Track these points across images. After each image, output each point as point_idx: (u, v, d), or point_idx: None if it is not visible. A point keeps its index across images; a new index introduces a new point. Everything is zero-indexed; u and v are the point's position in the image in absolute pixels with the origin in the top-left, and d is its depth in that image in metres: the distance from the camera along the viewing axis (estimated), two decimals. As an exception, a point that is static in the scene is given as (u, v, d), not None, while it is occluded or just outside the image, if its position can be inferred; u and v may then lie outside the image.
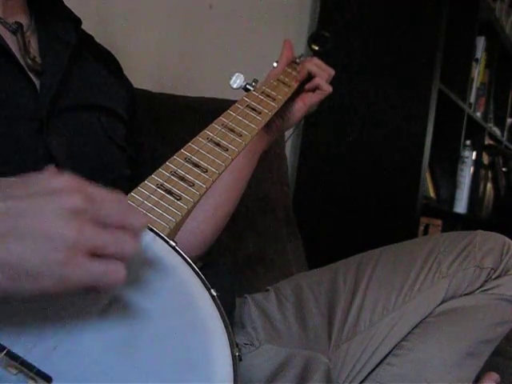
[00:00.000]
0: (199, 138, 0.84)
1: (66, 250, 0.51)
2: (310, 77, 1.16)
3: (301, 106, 1.16)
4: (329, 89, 1.17)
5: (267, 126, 1.10)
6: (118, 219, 0.55)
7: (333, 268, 1.14)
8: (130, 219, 0.56)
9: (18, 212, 0.52)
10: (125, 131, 1.01)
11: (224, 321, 0.59)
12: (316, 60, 1.17)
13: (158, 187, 0.72)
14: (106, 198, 0.55)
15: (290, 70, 1.15)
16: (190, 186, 0.75)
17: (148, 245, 0.62)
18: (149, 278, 0.60)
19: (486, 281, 1.04)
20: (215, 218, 1.09)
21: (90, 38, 1.05)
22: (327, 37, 1.23)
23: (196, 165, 0.79)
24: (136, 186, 0.72)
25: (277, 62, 1.18)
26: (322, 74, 1.16)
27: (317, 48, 1.22)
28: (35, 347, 0.52)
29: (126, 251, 0.55)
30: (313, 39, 1.23)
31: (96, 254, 0.53)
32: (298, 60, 1.20)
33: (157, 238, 0.64)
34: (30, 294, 0.51)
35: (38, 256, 0.51)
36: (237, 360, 0.56)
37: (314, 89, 1.16)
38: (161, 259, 0.62)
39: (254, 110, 0.97)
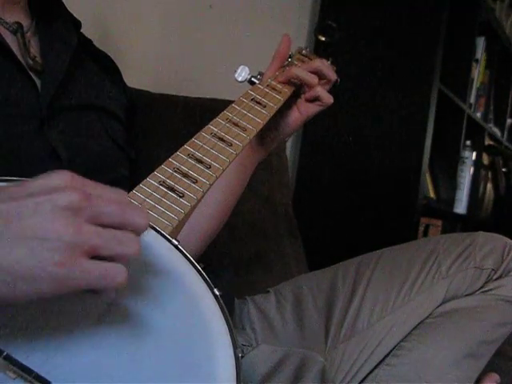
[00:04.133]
0: (203, 133, 0.82)
1: (62, 250, 0.49)
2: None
3: (296, 117, 1.07)
4: (330, 100, 1.06)
5: (261, 139, 1.07)
6: (118, 218, 0.53)
7: (332, 269, 1.14)
8: (131, 218, 0.53)
9: (10, 213, 0.49)
10: (124, 132, 1.01)
11: (227, 321, 0.58)
12: (317, 63, 1.07)
13: (161, 184, 0.71)
14: (105, 196, 0.53)
15: (296, 63, 1.11)
16: (193, 182, 0.74)
17: (150, 243, 0.61)
18: (150, 279, 0.60)
19: (486, 282, 1.04)
20: (199, 231, 1.04)
21: (89, 42, 1.05)
22: (334, 27, 1.19)
23: (199, 161, 0.77)
24: (135, 186, 0.71)
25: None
26: (319, 81, 1.05)
27: (324, 39, 1.18)
28: (34, 352, 0.51)
29: (128, 252, 0.52)
30: (319, 30, 1.19)
31: (96, 255, 0.51)
32: (304, 52, 1.15)
33: (159, 236, 0.64)
34: (27, 299, 0.49)
35: (32, 258, 0.48)
36: (240, 361, 0.55)
37: (314, 99, 1.07)
38: (162, 258, 0.62)
39: (259, 103, 0.95)
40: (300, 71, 1.04)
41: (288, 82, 1.05)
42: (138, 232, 0.54)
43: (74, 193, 0.51)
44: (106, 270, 0.51)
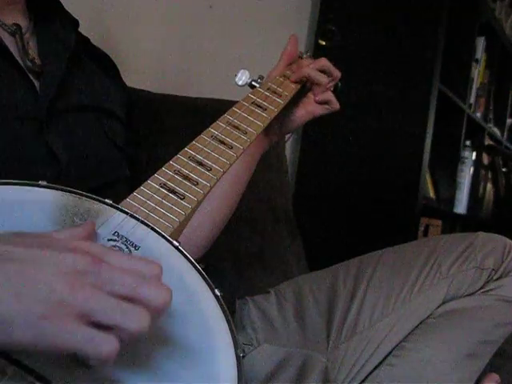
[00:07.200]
0: (203, 136, 0.83)
1: (49, 304, 0.46)
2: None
3: (302, 114, 1.10)
4: (337, 106, 1.11)
5: (266, 129, 1.06)
6: (129, 290, 0.48)
7: (333, 269, 1.14)
8: (144, 293, 0.49)
9: (13, 257, 0.48)
10: (124, 132, 1.01)
11: (228, 321, 0.59)
12: (323, 61, 1.09)
13: (162, 186, 0.71)
14: (121, 265, 0.50)
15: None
16: (194, 184, 0.74)
17: (150, 245, 0.61)
18: None
19: (487, 282, 1.04)
20: (210, 223, 1.06)
21: (86, 41, 1.04)
22: (334, 31, 1.19)
23: (200, 163, 0.78)
24: (136, 187, 0.71)
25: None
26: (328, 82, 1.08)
27: (324, 43, 1.18)
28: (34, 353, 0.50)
29: (130, 325, 0.47)
30: (319, 34, 1.19)
31: (94, 323, 0.47)
32: (304, 55, 1.16)
33: (160, 237, 0.64)
34: (2, 344, 0.46)
35: (17, 303, 0.45)
36: (241, 361, 0.56)
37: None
38: (163, 260, 0.61)
39: (259, 106, 0.95)
40: (311, 71, 1.07)
41: (295, 82, 1.07)
42: (151, 309, 0.49)
43: (83, 256, 0.49)
44: (92, 336, 0.46)
